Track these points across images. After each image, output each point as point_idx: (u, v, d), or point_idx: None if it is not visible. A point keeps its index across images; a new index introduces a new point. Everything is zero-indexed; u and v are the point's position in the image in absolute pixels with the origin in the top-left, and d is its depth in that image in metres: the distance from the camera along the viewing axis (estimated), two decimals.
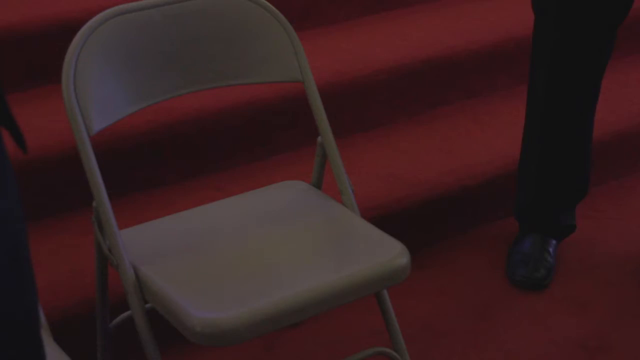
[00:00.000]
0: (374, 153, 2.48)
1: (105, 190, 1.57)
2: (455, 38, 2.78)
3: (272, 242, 1.64)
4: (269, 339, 2.04)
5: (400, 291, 2.16)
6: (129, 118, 1.69)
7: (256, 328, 1.44)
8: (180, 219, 1.74)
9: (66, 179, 2.14)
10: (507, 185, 2.44)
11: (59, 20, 2.47)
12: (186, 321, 1.44)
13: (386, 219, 2.21)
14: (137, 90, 1.69)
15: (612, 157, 2.64)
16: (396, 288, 2.14)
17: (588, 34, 2.07)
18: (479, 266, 2.31)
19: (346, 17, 2.89)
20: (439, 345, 2.05)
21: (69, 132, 1.64)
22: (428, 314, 2.15)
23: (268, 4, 1.76)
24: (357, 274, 1.53)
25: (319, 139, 1.77)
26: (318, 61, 2.54)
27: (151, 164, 2.28)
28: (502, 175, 2.43)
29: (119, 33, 1.66)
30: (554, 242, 2.30)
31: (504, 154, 2.48)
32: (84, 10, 2.46)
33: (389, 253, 1.58)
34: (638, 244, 2.40)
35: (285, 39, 1.75)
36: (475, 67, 2.76)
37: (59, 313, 1.86)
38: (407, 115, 2.65)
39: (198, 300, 1.48)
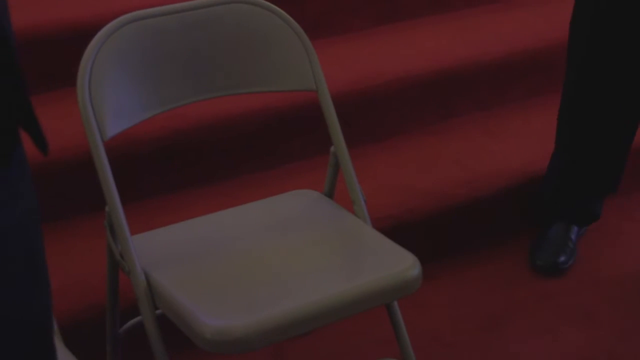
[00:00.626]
0: (384, 163, 2.48)
1: (118, 196, 1.57)
2: (467, 49, 2.78)
3: (284, 251, 1.64)
4: (277, 347, 2.04)
5: (408, 302, 2.16)
6: (141, 123, 1.70)
7: (267, 337, 1.44)
8: (191, 226, 1.74)
9: (77, 182, 2.15)
10: (518, 197, 2.44)
11: (72, 24, 2.48)
12: (197, 328, 1.44)
13: (396, 229, 2.21)
14: (151, 96, 1.69)
15: (625, 171, 2.63)
16: (405, 298, 2.12)
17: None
18: (488, 278, 2.30)
19: (359, 27, 2.90)
20: (447, 357, 2.04)
21: (81, 136, 1.64)
22: (436, 325, 2.14)
23: (284, 12, 1.76)
24: (369, 285, 1.53)
25: (332, 148, 1.77)
26: (330, 70, 2.53)
27: (162, 169, 2.28)
28: (513, 187, 2.42)
29: (135, 39, 1.67)
30: (576, 229, 2.38)
31: (515, 166, 2.48)
32: (97, 15, 2.46)
33: (400, 264, 1.58)
34: None
35: (300, 48, 1.75)
36: (487, 79, 2.76)
37: (68, 317, 1.86)
38: (418, 126, 2.65)
39: (209, 307, 1.48)
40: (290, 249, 1.65)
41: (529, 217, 2.48)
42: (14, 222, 0.93)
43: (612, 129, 2.27)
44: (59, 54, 2.42)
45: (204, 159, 2.32)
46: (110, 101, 1.61)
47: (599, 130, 2.27)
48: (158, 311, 1.57)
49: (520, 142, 2.60)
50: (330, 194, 1.84)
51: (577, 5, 2.20)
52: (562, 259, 2.33)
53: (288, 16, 1.76)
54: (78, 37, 2.34)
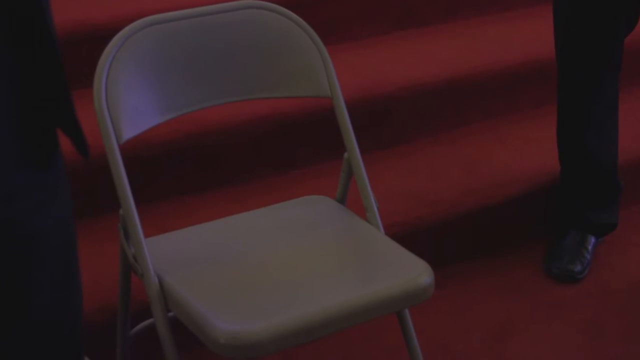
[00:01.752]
0: (394, 170, 2.48)
1: (132, 199, 1.57)
2: (478, 58, 2.78)
3: (296, 257, 1.65)
4: (287, 351, 2.04)
5: (418, 310, 2.15)
6: (154, 127, 1.70)
7: (280, 342, 1.44)
8: (205, 230, 1.74)
9: (90, 184, 2.15)
10: (528, 206, 2.44)
11: (86, 26, 2.49)
12: (210, 332, 1.44)
13: (406, 236, 2.21)
14: (166, 100, 1.70)
15: (634, 182, 2.64)
16: (414, 306, 2.13)
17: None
18: (497, 287, 2.31)
19: (371, 33, 2.90)
20: None
21: (94, 138, 1.64)
22: (445, 333, 2.14)
23: (299, 18, 1.77)
24: (381, 292, 1.54)
25: (345, 154, 1.78)
26: (341, 77, 2.54)
27: (174, 173, 2.29)
28: (523, 196, 2.43)
29: (151, 43, 1.68)
30: (592, 239, 2.39)
31: (525, 175, 2.48)
32: (111, 17, 2.47)
33: (413, 272, 1.58)
34: None
35: (315, 55, 1.76)
36: (498, 88, 2.76)
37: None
38: (428, 133, 2.66)
39: (222, 312, 1.48)
40: (303, 254, 1.65)
41: (539, 226, 2.48)
42: (52, 225, 0.95)
43: (603, 134, 2.31)
44: (73, 55, 2.42)
45: (216, 164, 2.33)
46: (125, 105, 1.61)
47: (591, 138, 2.31)
48: (170, 314, 1.58)
49: (531, 151, 2.60)
50: (342, 200, 1.84)
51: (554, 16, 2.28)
52: (578, 268, 2.33)
53: (304, 23, 1.77)
54: (92, 38, 2.35)
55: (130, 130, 1.62)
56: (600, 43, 2.21)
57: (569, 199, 2.39)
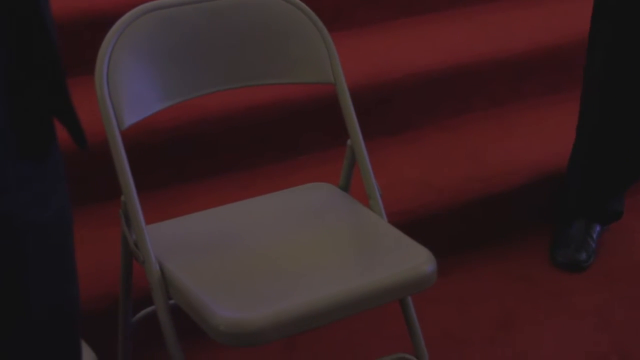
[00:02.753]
0: (399, 157, 2.47)
1: (134, 185, 1.57)
2: (484, 45, 2.77)
3: (298, 244, 1.64)
4: (289, 339, 2.04)
5: (421, 297, 2.15)
6: (157, 113, 1.69)
7: (281, 330, 1.43)
8: (206, 217, 1.74)
9: (90, 170, 2.14)
10: (533, 194, 2.43)
11: (88, 12, 2.47)
12: (210, 320, 1.44)
13: (410, 224, 2.19)
14: (169, 86, 1.69)
15: None
16: (417, 294, 2.13)
17: None
18: (502, 275, 2.30)
19: (376, 20, 2.89)
20: (459, 353, 2.04)
21: (95, 124, 1.64)
22: (448, 321, 2.14)
23: (303, 4, 1.75)
24: (383, 280, 1.53)
25: (349, 141, 1.76)
26: (346, 63, 2.53)
27: (176, 160, 2.28)
28: (528, 184, 2.42)
29: (153, 29, 1.66)
30: (597, 228, 2.38)
31: (530, 162, 2.47)
32: (113, 3, 2.46)
33: (415, 260, 1.57)
34: None
35: (319, 41, 1.75)
36: (504, 75, 2.75)
37: (81, 304, 1.86)
38: (433, 120, 2.64)
39: (223, 299, 1.47)
40: (305, 242, 1.64)
41: (544, 214, 2.47)
42: (50, 216, 0.94)
43: (636, 125, 2.27)
44: (74, 41, 2.41)
45: (219, 150, 2.32)
46: (127, 91, 1.60)
47: (628, 116, 2.26)
48: (171, 301, 1.57)
49: (536, 139, 2.59)
50: (345, 188, 1.83)
51: None
52: (584, 257, 2.33)
53: (308, 9, 1.75)
54: (93, 24, 2.35)
55: (132, 116, 1.61)
56: None
57: (579, 187, 2.37)
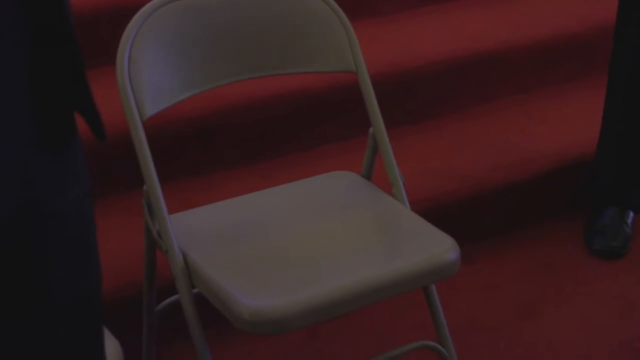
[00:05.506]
0: (422, 145, 2.46)
1: (156, 175, 1.57)
2: (507, 32, 2.75)
3: (322, 232, 1.64)
4: (313, 327, 2.04)
5: (444, 285, 2.14)
6: (178, 103, 1.70)
7: (304, 318, 1.43)
8: (229, 206, 1.74)
9: (114, 161, 2.15)
10: (557, 182, 2.41)
11: (110, 3, 2.48)
12: (234, 308, 1.44)
13: (434, 212, 2.19)
14: (190, 76, 1.69)
15: None
16: (441, 281, 2.12)
17: None
18: (526, 262, 2.29)
19: (398, 8, 2.87)
20: (482, 341, 2.03)
21: (117, 115, 1.64)
22: (472, 309, 2.13)
23: None
24: (407, 268, 1.52)
25: (371, 130, 1.76)
26: (368, 52, 2.52)
27: (198, 150, 2.28)
28: (553, 172, 2.40)
29: (174, 18, 1.66)
30: (631, 214, 2.38)
31: (554, 150, 2.45)
32: None
33: (439, 247, 1.57)
34: None
35: (340, 30, 1.74)
36: (528, 62, 2.73)
37: (105, 294, 1.86)
38: (457, 108, 2.63)
39: (246, 287, 1.47)
40: (328, 230, 1.64)
41: (569, 201, 2.45)
42: (72, 204, 0.95)
43: None
44: (94, 32, 2.42)
45: (241, 140, 2.32)
46: (149, 81, 1.61)
47: None
48: (195, 290, 1.57)
49: (560, 126, 2.57)
50: (368, 176, 1.83)
51: None
52: (620, 243, 2.32)
53: None
54: (114, 15, 2.35)
55: (154, 106, 1.61)
56: None
57: (607, 174, 2.35)
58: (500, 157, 2.42)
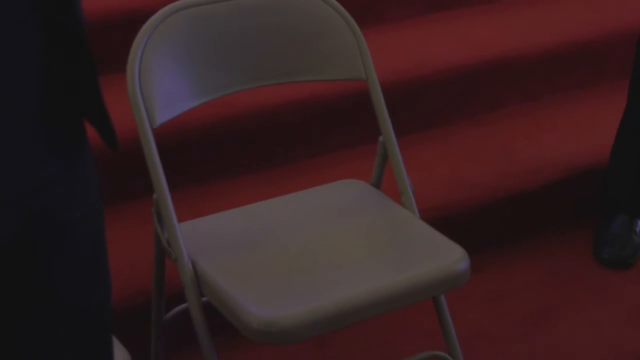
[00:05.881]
0: (431, 153, 2.46)
1: (166, 183, 1.57)
2: (516, 40, 2.74)
3: (331, 242, 1.63)
4: (322, 336, 2.03)
5: (454, 294, 2.14)
6: (188, 111, 1.70)
7: (314, 328, 1.43)
8: (238, 215, 1.73)
9: (123, 168, 2.15)
10: (566, 190, 2.40)
11: (120, 10, 2.48)
12: (244, 318, 1.43)
13: (443, 220, 2.18)
14: (200, 84, 1.68)
15: None
16: (450, 291, 2.12)
17: None
18: (535, 272, 2.28)
19: (406, 15, 2.87)
20: (492, 351, 2.02)
21: (127, 123, 1.64)
22: (481, 319, 2.12)
23: (334, 0, 1.74)
24: (417, 278, 1.52)
25: (381, 138, 1.75)
26: (377, 59, 2.51)
27: (208, 157, 2.28)
28: (562, 180, 2.39)
29: (184, 27, 1.66)
30: (639, 222, 2.36)
31: (565, 158, 2.44)
32: (145, 1, 2.46)
33: (449, 257, 1.56)
34: None
35: (349, 37, 1.74)
36: (537, 70, 2.72)
37: (114, 302, 1.86)
38: (466, 116, 2.63)
39: (256, 297, 1.47)
40: (338, 239, 1.64)
41: (579, 209, 2.45)
42: (83, 214, 0.94)
43: None
44: (107, 39, 2.42)
45: (250, 148, 2.32)
46: (159, 89, 1.60)
47: None
48: (204, 299, 1.57)
49: (570, 134, 2.56)
50: (377, 185, 1.82)
51: None
52: (629, 253, 2.30)
53: (338, 4, 1.75)
54: (126, 22, 2.35)
55: (164, 114, 1.61)
56: None
57: (620, 182, 2.34)
58: (509, 165, 2.41)
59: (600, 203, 2.41)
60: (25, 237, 0.89)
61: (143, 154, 1.57)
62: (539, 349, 2.03)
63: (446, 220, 2.20)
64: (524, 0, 3.02)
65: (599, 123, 2.55)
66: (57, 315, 0.94)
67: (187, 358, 1.96)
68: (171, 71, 1.64)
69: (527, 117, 2.65)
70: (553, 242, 2.38)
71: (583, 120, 2.63)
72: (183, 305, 1.77)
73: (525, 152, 2.47)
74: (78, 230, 0.95)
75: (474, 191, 2.30)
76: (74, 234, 0.94)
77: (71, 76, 0.91)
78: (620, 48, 2.73)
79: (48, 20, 0.87)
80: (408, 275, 1.52)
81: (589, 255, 2.34)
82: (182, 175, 2.22)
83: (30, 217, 0.89)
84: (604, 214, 2.38)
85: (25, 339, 0.93)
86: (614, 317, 2.13)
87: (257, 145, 2.33)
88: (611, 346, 2.04)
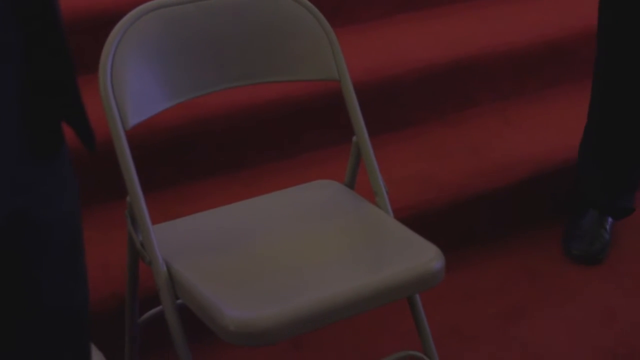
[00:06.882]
0: (402, 153, 2.47)
1: (139, 186, 1.56)
2: (486, 39, 2.76)
3: (306, 242, 1.63)
4: (297, 337, 2.03)
5: (428, 293, 2.14)
6: (161, 112, 1.69)
7: (291, 329, 1.43)
8: (212, 216, 1.73)
9: (95, 172, 2.14)
10: (538, 188, 2.42)
11: (91, 11, 2.46)
12: (219, 320, 1.43)
13: (416, 220, 2.19)
14: (173, 85, 1.68)
15: None
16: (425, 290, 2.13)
17: None
18: (508, 269, 2.29)
19: (378, 15, 2.88)
20: (466, 350, 2.03)
21: (99, 125, 1.62)
22: (456, 317, 2.13)
23: (306, 1, 1.74)
24: (393, 277, 1.52)
25: (354, 138, 1.76)
26: (349, 59, 2.52)
27: (182, 159, 2.27)
28: (533, 178, 2.41)
29: (156, 28, 1.65)
30: (610, 219, 2.38)
31: (534, 156, 2.46)
32: (116, 2, 2.45)
33: (423, 257, 1.56)
34: None
35: (322, 37, 1.74)
36: (507, 69, 2.74)
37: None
38: (437, 115, 2.64)
39: (231, 299, 1.47)
40: (312, 240, 1.64)
41: (550, 207, 2.47)
42: (60, 213, 0.94)
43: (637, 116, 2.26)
44: (78, 40, 2.39)
45: (223, 149, 2.31)
46: (131, 90, 1.59)
47: (627, 110, 2.26)
48: (178, 301, 1.56)
49: (539, 133, 2.58)
50: (351, 185, 1.82)
51: None
52: (599, 249, 2.32)
53: (311, 5, 1.74)
54: (97, 23, 2.33)
55: (137, 116, 1.60)
56: None
57: (588, 178, 2.36)
58: (481, 164, 2.43)
59: (571, 200, 2.43)
60: (5, 239, 0.89)
61: (116, 156, 1.56)
62: (513, 346, 2.05)
63: (420, 220, 2.20)
64: (493, 0, 3.04)
65: (568, 121, 2.57)
66: (37, 317, 0.94)
67: None
68: (143, 73, 1.63)
69: (497, 116, 2.66)
70: (525, 240, 2.40)
71: (552, 119, 2.65)
72: (158, 308, 1.76)
73: (497, 150, 2.49)
74: (57, 232, 0.94)
75: (447, 190, 2.31)
76: (52, 236, 0.93)
77: (50, 77, 0.91)
78: (588, 47, 2.75)
79: (27, 21, 0.86)
80: (383, 275, 1.52)
81: (561, 253, 2.36)
82: (155, 178, 2.21)
83: (10, 219, 0.88)
84: (575, 211, 2.40)
85: (2, 342, 0.93)
86: (587, 314, 2.15)
87: (230, 146, 2.32)
88: (584, 343, 2.06)
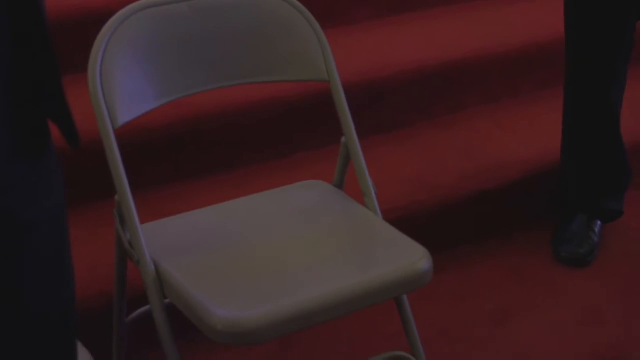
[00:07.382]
0: (393, 155, 2.47)
1: (128, 185, 1.56)
2: (477, 41, 2.76)
3: (294, 243, 1.63)
4: (286, 337, 2.03)
5: (416, 294, 2.14)
6: (151, 111, 1.69)
7: (278, 329, 1.43)
8: (201, 216, 1.73)
9: (84, 170, 2.13)
10: (527, 190, 2.42)
11: (81, 9, 2.46)
12: (207, 319, 1.43)
13: (404, 221, 2.19)
14: (162, 84, 1.68)
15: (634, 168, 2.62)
16: (413, 291, 2.12)
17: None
18: (496, 272, 2.30)
19: (368, 17, 2.88)
20: (454, 352, 2.03)
21: (88, 124, 1.63)
22: (444, 319, 2.13)
23: (297, 1, 1.74)
24: (381, 278, 1.52)
25: (343, 139, 1.76)
26: (339, 60, 2.52)
27: (171, 158, 2.27)
28: (522, 180, 2.41)
29: (147, 26, 1.65)
30: (599, 222, 2.39)
31: (524, 158, 2.47)
32: (103, 1, 2.44)
33: (411, 257, 1.57)
34: None
35: (312, 38, 1.74)
36: (498, 72, 2.74)
37: (76, 305, 1.85)
38: (427, 117, 2.64)
39: (219, 298, 1.46)
40: (301, 240, 1.64)
41: (539, 210, 2.47)
42: (47, 215, 0.94)
43: (607, 123, 2.28)
44: (67, 39, 2.40)
45: (213, 149, 2.31)
46: (121, 89, 1.59)
47: (595, 126, 2.29)
48: (166, 300, 1.56)
49: (530, 135, 2.58)
50: (340, 185, 1.82)
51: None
52: (587, 251, 2.33)
53: (301, 5, 1.75)
54: (86, 22, 2.33)
55: (126, 114, 1.60)
56: (612, 30, 2.17)
57: (573, 181, 2.37)
58: (470, 166, 2.43)
59: (560, 202, 2.44)
60: None
61: (105, 154, 1.56)
62: (501, 347, 2.05)
63: (408, 221, 2.20)
64: (484, 3, 3.05)
65: (558, 124, 2.57)
66: (22, 317, 0.94)
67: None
68: (133, 71, 1.63)
69: (487, 119, 2.67)
70: (514, 241, 2.40)
71: (543, 121, 2.66)
72: (145, 307, 1.76)
73: (487, 152, 2.49)
74: (42, 232, 0.94)
75: (436, 192, 2.32)
76: (38, 235, 0.93)
77: (35, 75, 0.91)
78: None
79: (13, 21, 0.86)
80: (371, 276, 1.52)
81: (550, 255, 2.36)
82: (144, 177, 2.20)
83: None
84: (564, 213, 2.41)
85: None
86: (575, 316, 2.15)
87: (219, 146, 2.32)
88: (572, 345, 2.06)
